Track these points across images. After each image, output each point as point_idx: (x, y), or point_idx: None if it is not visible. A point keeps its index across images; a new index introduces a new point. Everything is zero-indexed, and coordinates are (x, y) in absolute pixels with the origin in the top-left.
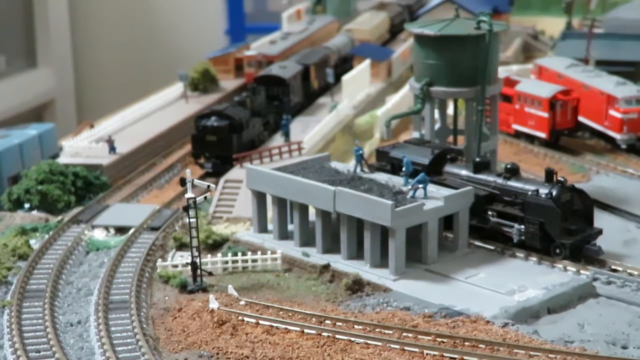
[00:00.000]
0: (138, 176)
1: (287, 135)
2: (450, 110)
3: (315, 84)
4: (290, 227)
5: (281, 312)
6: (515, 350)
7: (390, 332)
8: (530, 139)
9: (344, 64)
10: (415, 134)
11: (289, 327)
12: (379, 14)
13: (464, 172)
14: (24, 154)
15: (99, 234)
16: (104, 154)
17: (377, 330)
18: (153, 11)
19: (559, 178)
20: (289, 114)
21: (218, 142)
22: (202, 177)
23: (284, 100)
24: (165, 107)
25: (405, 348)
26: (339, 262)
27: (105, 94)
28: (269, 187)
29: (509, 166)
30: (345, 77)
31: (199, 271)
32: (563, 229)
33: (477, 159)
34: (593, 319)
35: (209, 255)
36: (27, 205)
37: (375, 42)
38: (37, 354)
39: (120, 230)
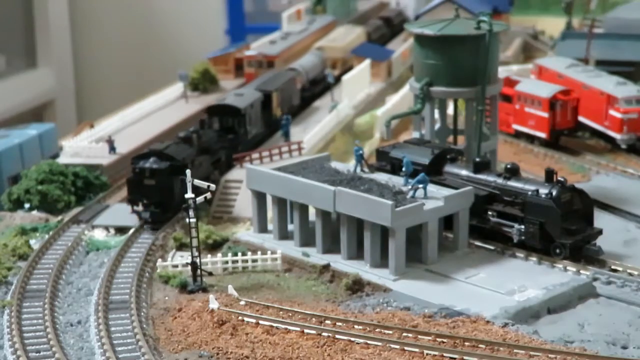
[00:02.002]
0: None
1: (287, 135)
2: (450, 110)
3: (278, 112)
4: (290, 227)
5: (281, 312)
6: (515, 350)
7: (390, 332)
8: (530, 139)
9: (314, 87)
10: (415, 134)
11: (289, 327)
12: (354, 29)
13: (464, 172)
14: (24, 154)
15: (99, 234)
16: (104, 154)
17: (377, 330)
18: (153, 11)
19: (559, 178)
20: (245, 147)
21: (157, 187)
22: (140, 227)
23: (239, 133)
24: (165, 107)
25: (405, 348)
26: (339, 262)
27: (105, 94)
28: (269, 187)
29: (509, 166)
30: (345, 77)
31: (199, 271)
32: (563, 229)
33: (477, 159)
34: (593, 319)
35: (209, 255)
36: (27, 205)
37: (348, 61)
38: (37, 354)
39: (120, 230)
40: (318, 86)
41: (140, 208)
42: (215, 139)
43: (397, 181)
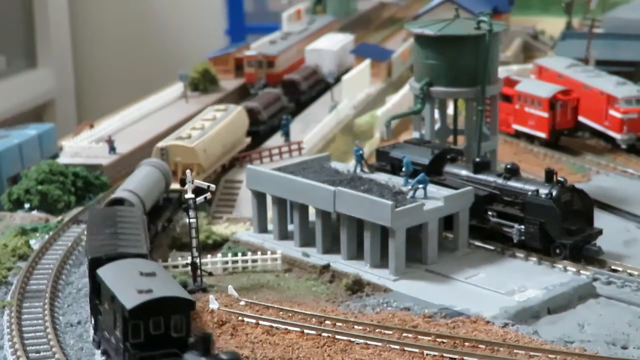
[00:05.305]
0: None
1: (287, 135)
2: (450, 110)
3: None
4: (290, 227)
5: (281, 313)
6: (515, 351)
7: (390, 332)
8: (530, 139)
9: (154, 221)
10: (415, 134)
11: (289, 328)
12: (228, 113)
13: (464, 172)
14: (23, 154)
15: None
16: (104, 154)
17: (377, 330)
18: (153, 11)
19: (559, 178)
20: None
21: None
22: None
23: None
24: (165, 107)
25: (405, 348)
26: (339, 262)
27: (105, 94)
28: (269, 187)
29: (509, 166)
30: (346, 77)
31: (199, 271)
32: (563, 229)
33: (477, 159)
34: (593, 319)
35: (209, 256)
36: (27, 206)
37: (212, 165)
38: (37, 354)
39: None
40: (162, 216)
41: None
42: None
43: (397, 181)
